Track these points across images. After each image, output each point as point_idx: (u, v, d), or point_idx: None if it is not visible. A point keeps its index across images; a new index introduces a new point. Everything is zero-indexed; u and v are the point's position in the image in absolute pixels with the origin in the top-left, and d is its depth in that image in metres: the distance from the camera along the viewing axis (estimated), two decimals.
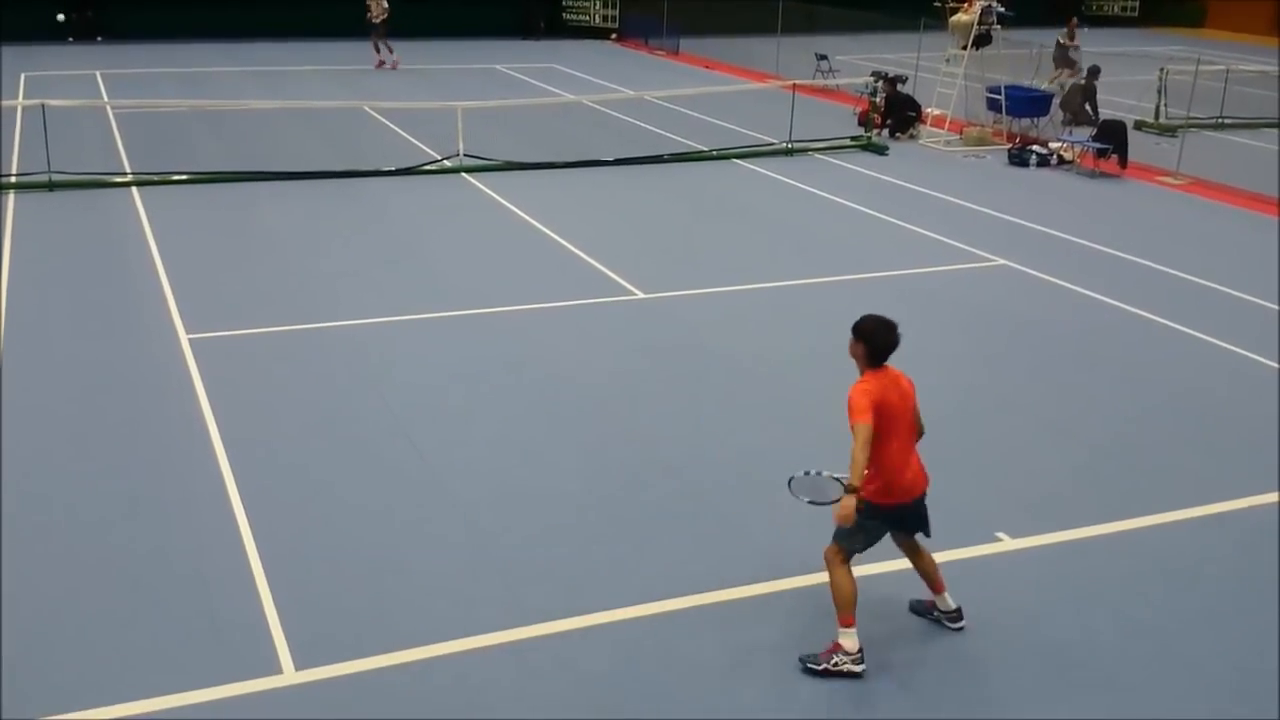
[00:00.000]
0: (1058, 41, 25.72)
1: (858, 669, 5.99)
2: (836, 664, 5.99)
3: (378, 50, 27.53)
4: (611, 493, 7.86)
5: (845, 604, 6.02)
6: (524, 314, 11.16)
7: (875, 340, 5.93)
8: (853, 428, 5.79)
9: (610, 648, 6.23)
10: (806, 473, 6.25)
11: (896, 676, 6.05)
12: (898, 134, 20.34)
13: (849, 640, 6.01)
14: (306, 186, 15.96)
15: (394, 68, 27.29)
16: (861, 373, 5.99)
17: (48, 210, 14.42)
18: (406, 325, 10.82)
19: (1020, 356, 10.50)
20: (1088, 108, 20.28)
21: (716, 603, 6.62)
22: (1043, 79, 20.97)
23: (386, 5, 27.13)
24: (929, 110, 20.59)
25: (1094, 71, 20.93)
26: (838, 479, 6.05)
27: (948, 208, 15.68)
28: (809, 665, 6.03)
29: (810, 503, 6.07)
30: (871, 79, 20.07)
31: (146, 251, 12.83)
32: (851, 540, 6.07)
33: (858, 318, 6.02)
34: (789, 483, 6.20)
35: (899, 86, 20.70)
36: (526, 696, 5.83)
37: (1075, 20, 27.02)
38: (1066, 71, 24.42)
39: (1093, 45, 24.71)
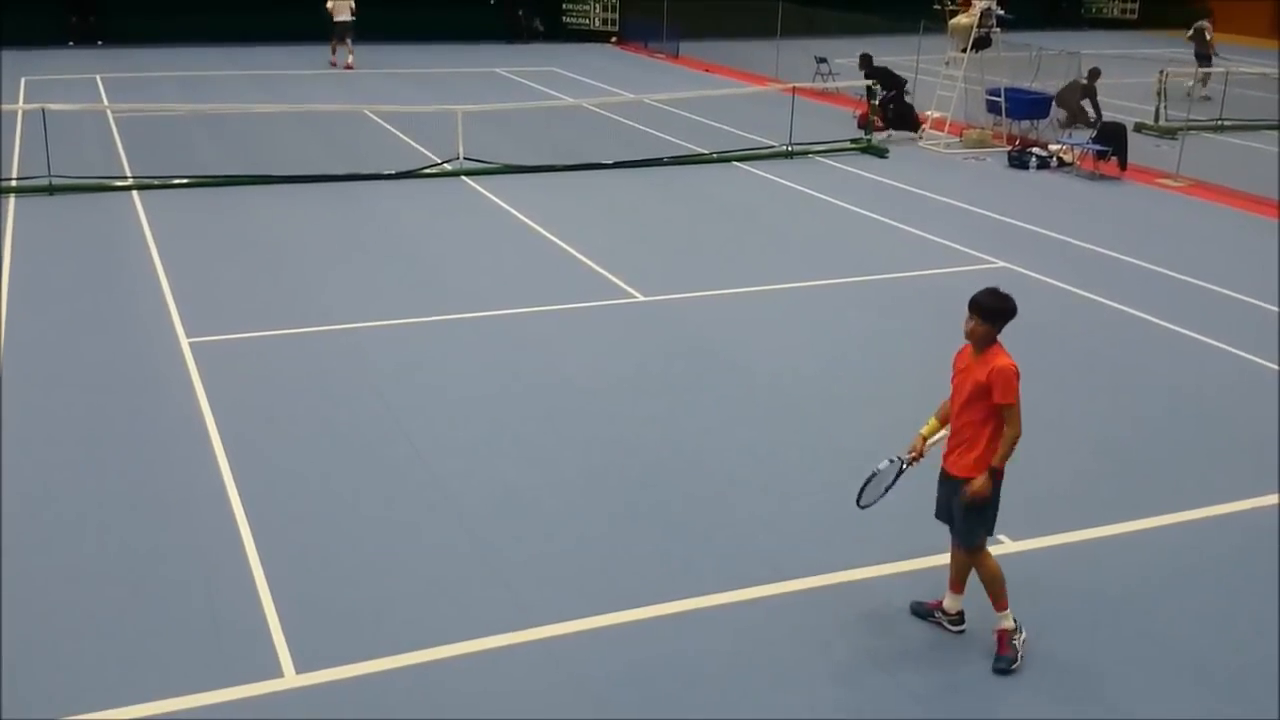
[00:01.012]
0: (1203, 38, 25.83)
1: (1023, 634, 6.18)
2: (1017, 646, 6.14)
3: (347, 50, 27.89)
4: (613, 495, 7.86)
5: (1001, 588, 6.16)
6: (524, 317, 11.16)
7: (1010, 311, 5.97)
8: (1010, 407, 5.92)
9: (612, 650, 6.22)
10: (868, 480, 6.31)
11: (898, 679, 6.05)
12: (893, 129, 20.23)
13: (1009, 620, 6.16)
14: (306, 190, 15.97)
15: (339, 67, 27.82)
16: (985, 349, 5.99)
17: (48, 214, 14.42)
18: (407, 328, 10.82)
19: (1020, 358, 10.45)
20: (1086, 106, 20.26)
21: (719, 605, 6.62)
22: (1043, 81, 20.94)
23: (354, 6, 27.49)
24: (929, 113, 20.60)
25: (1094, 73, 20.93)
26: (892, 460, 6.28)
27: (948, 210, 15.68)
28: (1010, 667, 6.07)
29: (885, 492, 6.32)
30: (872, 81, 20.06)
31: (147, 255, 12.83)
32: (985, 525, 6.15)
33: (976, 293, 6.02)
34: (859, 500, 6.31)
35: (874, 63, 20.76)
36: (528, 699, 5.83)
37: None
38: (1205, 72, 24.47)
39: (1092, 47, 24.72)
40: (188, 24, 31.09)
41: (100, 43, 30.84)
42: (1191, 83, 23.39)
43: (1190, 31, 26.89)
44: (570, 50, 32.64)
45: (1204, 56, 25.99)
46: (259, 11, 31.45)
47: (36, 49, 28.70)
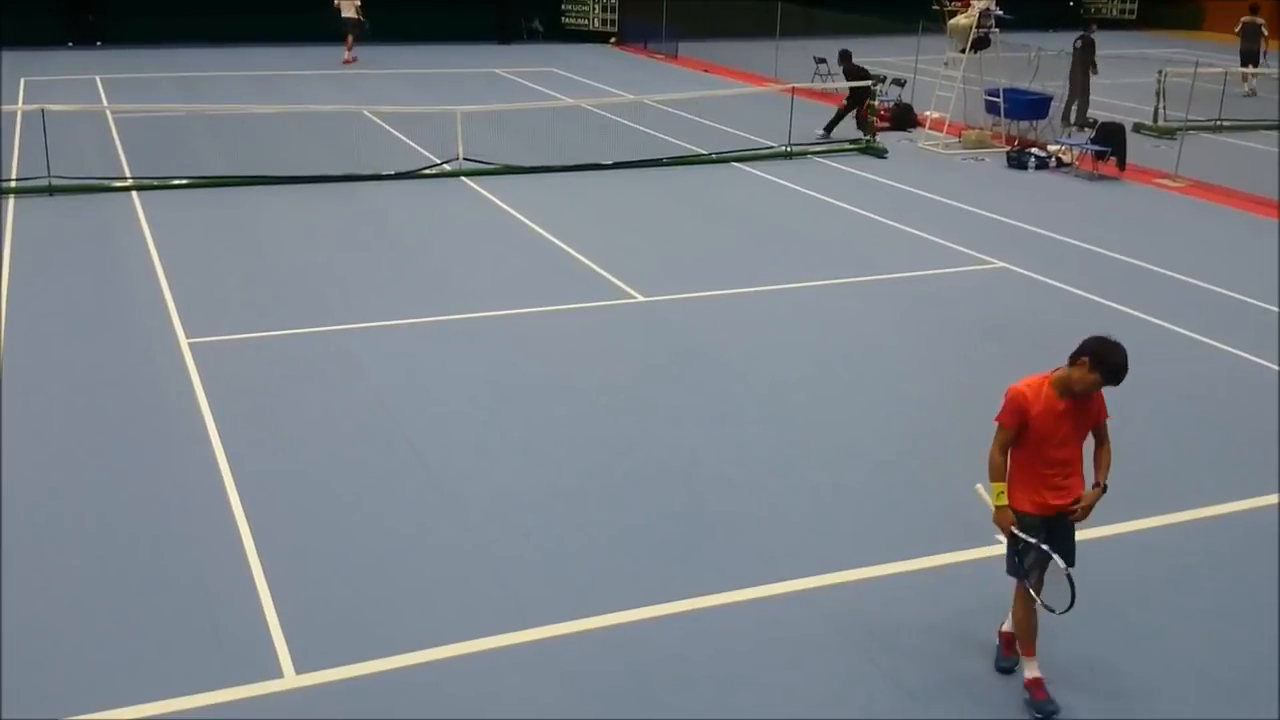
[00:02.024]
0: (1259, 31, 26.37)
1: None
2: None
3: (346, 45, 28.98)
4: (611, 495, 7.86)
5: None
6: (524, 317, 11.16)
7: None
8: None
9: (610, 650, 6.23)
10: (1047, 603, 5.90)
11: (894, 678, 6.05)
12: (867, 131, 20.10)
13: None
14: (306, 190, 15.97)
15: (348, 63, 28.82)
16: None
17: (47, 215, 14.42)
18: (407, 329, 10.82)
19: (1019, 358, 10.47)
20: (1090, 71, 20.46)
21: (717, 605, 6.62)
22: (1041, 82, 20.95)
23: (359, 5, 28.66)
24: (927, 113, 20.60)
25: (1090, 24, 21.11)
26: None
27: (947, 210, 15.69)
28: (1014, 669, 5.98)
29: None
30: (871, 82, 20.07)
31: (146, 256, 12.83)
32: None
33: (1086, 341, 5.79)
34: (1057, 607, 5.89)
35: (854, 60, 20.70)
36: (526, 699, 5.83)
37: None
38: (1254, 73, 24.97)
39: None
40: (187, 25, 31.09)
41: (99, 43, 30.83)
42: (1246, 85, 24.57)
43: (1239, 27, 26.96)
44: (569, 51, 32.65)
45: (1253, 53, 26.41)
46: (257, 12, 31.45)
47: (36, 49, 28.69)
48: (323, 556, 7.03)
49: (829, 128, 20.26)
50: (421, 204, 15.42)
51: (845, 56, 20.92)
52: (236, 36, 31.41)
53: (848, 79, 20.43)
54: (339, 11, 28.43)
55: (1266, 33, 26.66)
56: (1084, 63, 20.80)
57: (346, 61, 28.59)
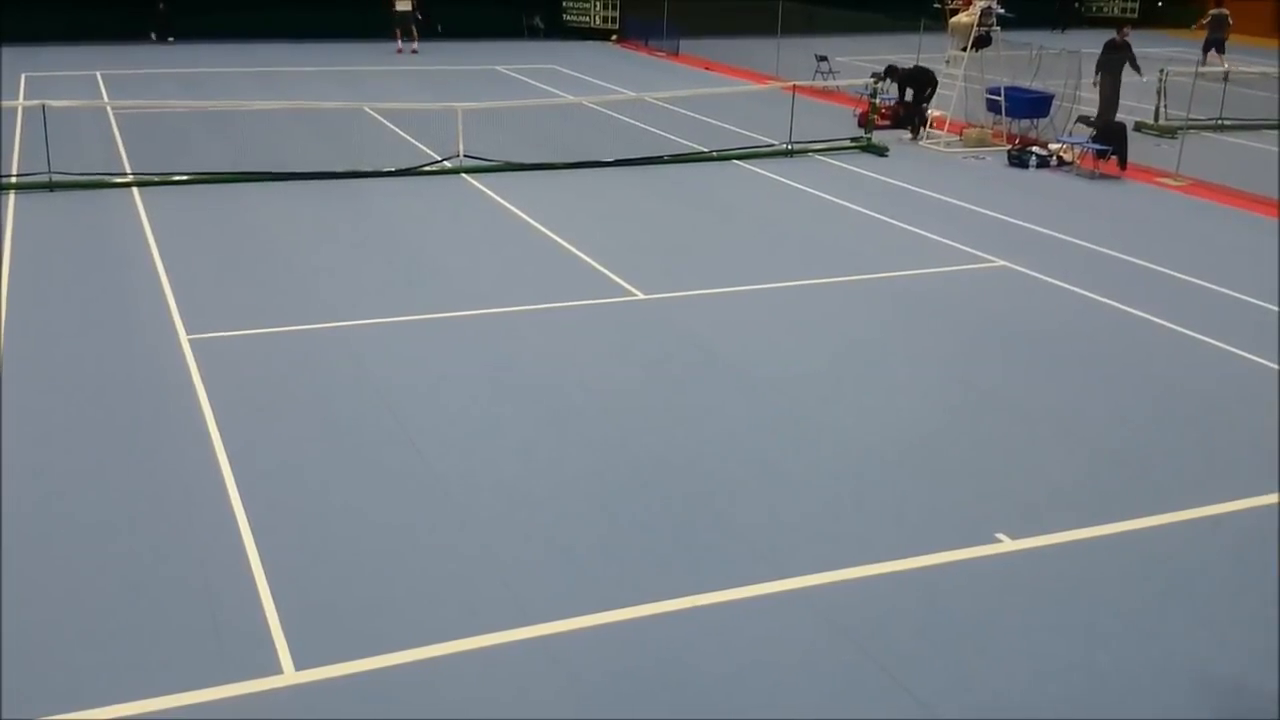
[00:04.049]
0: (1227, 24, 28.76)
1: None
2: None
3: (412, 37, 30.60)
4: (612, 493, 7.86)
5: None
6: (524, 315, 11.17)
7: None
8: None
9: (611, 648, 6.23)
10: None
11: (893, 674, 6.05)
12: (907, 127, 20.32)
13: None
14: (307, 187, 15.98)
15: (404, 53, 30.34)
16: None
17: (48, 210, 14.43)
18: (407, 326, 10.83)
19: (1019, 357, 10.51)
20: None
21: (719, 603, 6.62)
22: (1043, 80, 20.92)
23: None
24: (929, 112, 20.59)
25: (1122, 29, 21.51)
26: None
27: (948, 209, 15.69)
28: None
29: None
30: (872, 80, 20.06)
31: (147, 252, 12.83)
32: None
33: None
34: None
35: (900, 67, 20.76)
36: (527, 697, 5.84)
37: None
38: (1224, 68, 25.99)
39: (1092, 46, 24.66)
40: (186, 22, 31.17)
41: (171, 40, 31.24)
42: (1224, 68, 25.70)
43: (1208, 19, 29.48)
44: (570, 48, 32.66)
45: (1219, 42, 28.96)
46: (259, 9, 31.54)
47: (35, 45, 28.69)
48: (323, 553, 7.03)
49: (914, 130, 20.32)
50: (422, 201, 15.42)
51: (892, 71, 20.61)
52: (237, 33, 31.45)
53: (903, 82, 20.46)
54: (394, 4, 29.81)
55: (1232, 24, 29.25)
56: (1109, 70, 20.82)
57: (400, 52, 30.06)
